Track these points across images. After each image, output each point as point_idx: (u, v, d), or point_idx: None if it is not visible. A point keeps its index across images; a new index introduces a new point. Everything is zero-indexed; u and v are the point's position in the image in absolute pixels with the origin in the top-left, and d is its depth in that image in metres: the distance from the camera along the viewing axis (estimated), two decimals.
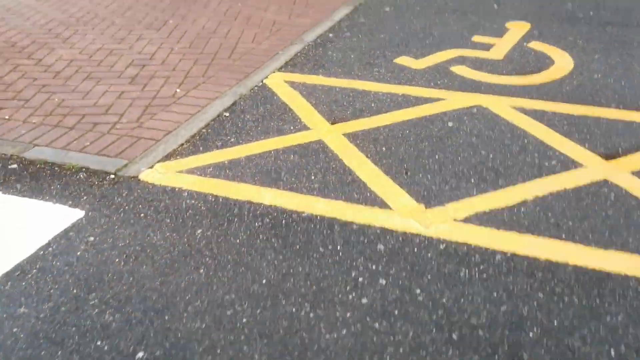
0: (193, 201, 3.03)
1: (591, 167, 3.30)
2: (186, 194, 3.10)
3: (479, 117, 3.88)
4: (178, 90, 4.35)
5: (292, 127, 3.80)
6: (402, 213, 2.92)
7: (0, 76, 4.59)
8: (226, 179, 3.23)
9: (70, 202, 3.03)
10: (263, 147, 3.57)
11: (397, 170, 3.29)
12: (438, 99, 4.14)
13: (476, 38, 5.29)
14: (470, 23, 5.67)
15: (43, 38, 5.41)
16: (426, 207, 2.97)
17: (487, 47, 5.07)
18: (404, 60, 4.84)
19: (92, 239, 2.76)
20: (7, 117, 3.98)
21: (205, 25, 5.72)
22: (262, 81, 4.50)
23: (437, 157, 3.42)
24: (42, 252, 2.66)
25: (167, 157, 3.47)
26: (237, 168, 3.34)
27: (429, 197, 3.05)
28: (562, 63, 4.69)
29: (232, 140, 3.66)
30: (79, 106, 4.10)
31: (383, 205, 2.99)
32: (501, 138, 3.61)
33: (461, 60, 4.80)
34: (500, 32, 5.39)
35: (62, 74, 4.64)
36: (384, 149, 3.51)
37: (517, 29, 5.47)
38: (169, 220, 2.88)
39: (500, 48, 5.04)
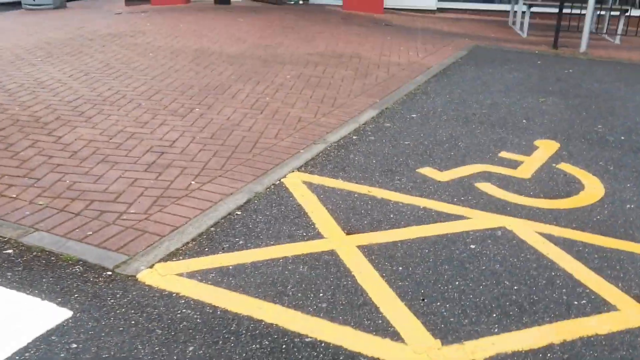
0: (189, 311, 2.80)
1: (626, 311, 3.03)
2: (183, 301, 2.88)
3: (504, 242, 3.66)
4: (193, 182, 4.23)
5: (304, 234, 3.61)
6: (416, 349, 2.66)
7: (17, 151, 4.54)
8: (228, 288, 3.01)
9: (60, 300, 2.82)
10: (272, 254, 3.37)
11: (414, 295, 3.05)
12: (461, 217, 3.95)
13: (503, 154, 5.16)
14: (498, 137, 5.56)
15: (67, 115, 5.42)
16: (442, 344, 2.70)
17: (514, 164, 4.93)
18: (427, 171, 4.70)
19: (74, 345, 2.52)
20: (14, 195, 3.86)
21: (231, 117, 5.69)
22: (279, 180, 4.37)
23: (457, 283, 3.18)
24: (17, 358, 2.43)
25: (170, 257, 3.28)
26: (242, 276, 3.13)
27: (446, 331, 2.79)
28: (592, 189, 4.51)
29: (241, 242, 3.48)
30: (88, 190, 3.98)
31: (395, 336, 2.73)
32: (527, 268, 3.37)
33: (487, 177, 4.64)
34: (528, 150, 5.27)
35: (79, 154, 4.57)
36: (400, 268, 3.28)
37: (545, 148, 5.34)
38: (160, 332, 2.65)
39: (528, 167, 4.89)
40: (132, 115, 5.54)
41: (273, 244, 3.47)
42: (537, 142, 5.50)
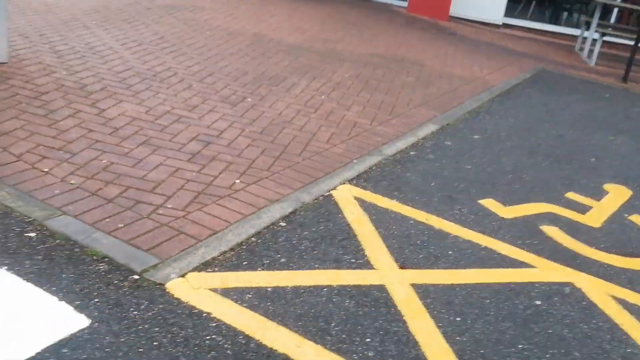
0: (220, 338, 2.47)
1: None
2: (214, 324, 2.55)
3: (572, 302, 3.24)
4: (237, 181, 3.90)
5: (353, 261, 3.25)
6: None
7: (56, 120, 4.26)
8: (265, 315, 2.67)
9: (78, 303, 2.51)
10: (316, 279, 3.01)
11: (472, 355, 2.66)
12: (525, 265, 3.54)
13: (571, 195, 4.71)
14: (565, 175, 5.11)
15: (114, 86, 5.14)
16: None
17: (582, 209, 4.48)
18: (489, 204, 4.29)
19: None
20: (46, 169, 3.58)
21: (283, 112, 5.35)
22: (329, 191, 4.02)
23: (520, 347, 2.78)
24: None
25: (205, 266, 2.95)
26: (281, 302, 2.78)
27: None
28: None
29: (283, 260, 3.13)
30: (125, 175, 3.68)
31: None
32: (599, 339, 2.96)
33: (553, 219, 4.21)
34: (597, 194, 4.81)
35: (121, 132, 4.28)
36: (458, 319, 2.90)
37: (616, 195, 4.88)
38: None
39: (597, 214, 4.44)
40: (181, 96, 5.24)
41: (317, 268, 3.12)
42: (606, 186, 5.03)
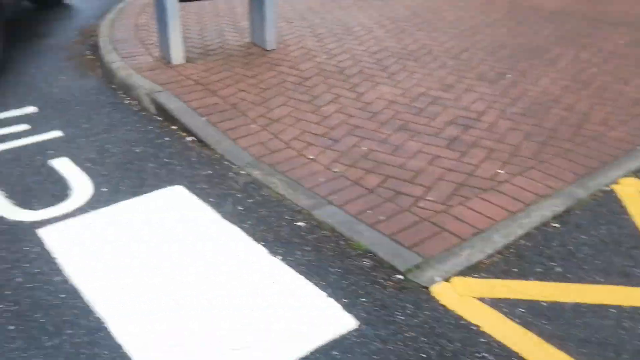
0: (492, 358, 2.25)
1: None
2: (484, 340, 2.34)
3: None
4: (501, 171, 3.59)
5: None
6: None
7: (320, 106, 4.37)
8: (541, 336, 2.37)
9: (346, 302, 2.50)
10: (600, 297, 2.61)
11: None
12: None
13: None
14: None
15: (370, 68, 5.13)
16: None
17: None
18: None
19: None
20: (312, 156, 3.68)
21: (548, 89, 4.82)
22: (609, 185, 3.49)
23: None
24: None
25: (470, 270, 2.74)
26: (559, 321, 2.45)
27: None
28: None
29: (558, 269, 2.78)
30: (384, 163, 3.62)
31: None
32: None
33: None
34: None
35: (378, 117, 4.24)
36: None
37: None
38: None
39: None
40: (436, 75, 5.03)
41: (601, 282, 2.70)
42: None
